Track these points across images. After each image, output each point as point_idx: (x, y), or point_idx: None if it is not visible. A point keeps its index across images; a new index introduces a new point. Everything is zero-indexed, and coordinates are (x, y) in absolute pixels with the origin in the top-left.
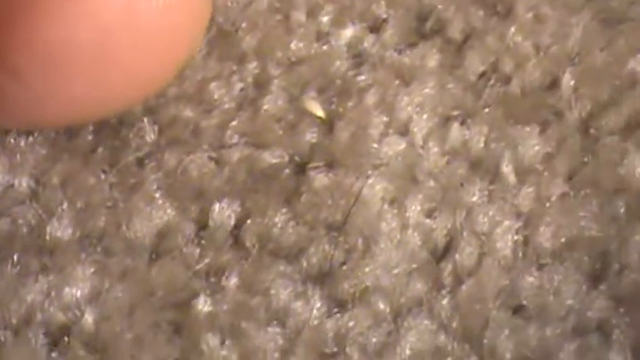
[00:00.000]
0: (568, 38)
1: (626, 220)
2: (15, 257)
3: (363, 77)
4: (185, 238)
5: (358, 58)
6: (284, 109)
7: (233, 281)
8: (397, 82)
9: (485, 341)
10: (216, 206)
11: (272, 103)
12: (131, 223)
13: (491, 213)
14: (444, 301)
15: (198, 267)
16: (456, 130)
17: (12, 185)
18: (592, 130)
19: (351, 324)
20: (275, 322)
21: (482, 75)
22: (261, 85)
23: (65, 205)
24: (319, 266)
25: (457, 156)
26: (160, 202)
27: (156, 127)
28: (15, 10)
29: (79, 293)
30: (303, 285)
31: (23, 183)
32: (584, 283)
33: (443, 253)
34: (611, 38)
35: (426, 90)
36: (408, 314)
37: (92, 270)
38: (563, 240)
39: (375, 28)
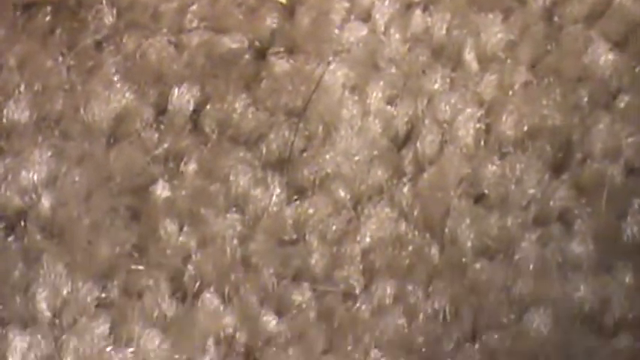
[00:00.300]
0: None
1: (589, 109)
2: None
3: None
4: (143, 122)
5: None
6: None
7: (192, 167)
8: None
9: (446, 230)
10: (176, 91)
11: None
12: (89, 106)
13: (453, 101)
14: (405, 189)
15: (156, 152)
16: (418, 17)
17: None
18: (556, 18)
19: (310, 211)
20: (234, 209)
21: None
22: None
23: (22, 88)
24: (279, 153)
25: (419, 43)
26: (119, 85)
27: (115, 10)
28: None
29: (35, 177)
30: (263, 171)
31: None
32: (547, 173)
33: (404, 140)
34: None
35: None
36: (368, 202)
37: (49, 154)
38: (525, 129)
39: None
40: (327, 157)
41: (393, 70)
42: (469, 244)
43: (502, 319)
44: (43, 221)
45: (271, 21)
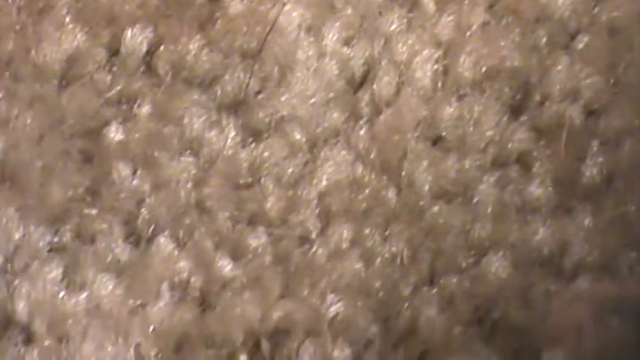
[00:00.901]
0: None
1: (547, 50)
2: None
3: None
4: (96, 64)
5: None
6: None
7: (145, 109)
8: None
9: (403, 173)
10: (129, 32)
11: None
12: (40, 47)
13: (410, 42)
14: (362, 132)
15: (109, 94)
16: None
17: None
18: None
19: (266, 154)
20: (188, 152)
21: None
22: None
23: None
24: (234, 95)
25: None
26: (70, 27)
27: None
28: None
29: None
30: (218, 114)
31: None
32: (505, 114)
33: (360, 82)
34: None
35: None
36: (324, 145)
37: (0, 96)
38: (483, 70)
39: None
40: (283, 99)
41: (349, 11)
42: (426, 187)
43: (460, 263)
44: None
45: None
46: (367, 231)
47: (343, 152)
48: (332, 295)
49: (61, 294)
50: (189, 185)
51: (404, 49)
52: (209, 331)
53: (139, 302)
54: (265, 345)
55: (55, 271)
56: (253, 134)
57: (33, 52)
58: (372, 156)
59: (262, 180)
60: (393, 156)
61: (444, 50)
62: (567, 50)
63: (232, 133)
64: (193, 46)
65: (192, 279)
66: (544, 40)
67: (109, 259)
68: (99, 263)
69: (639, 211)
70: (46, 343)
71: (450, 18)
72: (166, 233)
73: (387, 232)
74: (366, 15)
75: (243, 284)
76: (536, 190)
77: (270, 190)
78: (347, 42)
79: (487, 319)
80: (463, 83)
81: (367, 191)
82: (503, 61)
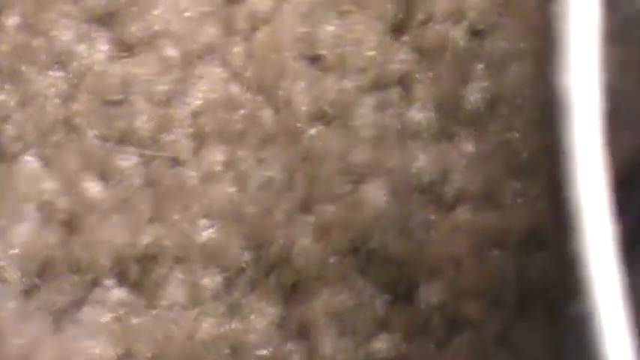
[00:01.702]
0: None
1: None
2: None
3: None
4: None
5: None
6: None
7: (12, 20)
8: None
9: (280, 92)
10: None
11: None
12: None
13: None
14: (238, 49)
15: None
16: None
17: None
18: None
19: (137, 70)
20: (56, 66)
21: None
22: None
23: None
24: (105, 6)
25: None
26: None
27: None
28: None
29: None
30: (88, 26)
31: None
32: (387, 34)
33: None
34: None
35: None
36: (198, 61)
37: None
38: None
39: None
40: (156, 12)
41: None
42: (304, 108)
43: (337, 190)
44: None
45: None
46: (241, 153)
47: (218, 70)
48: (204, 220)
49: None
50: (57, 101)
51: None
52: (74, 255)
53: (2, 223)
54: (133, 270)
55: None
56: (125, 49)
57: None
58: (248, 74)
59: (133, 97)
60: (270, 75)
61: None
62: None
63: (103, 47)
64: None
65: (58, 200)
66: None
67: None
68: None
69: (524, 139)
70: None
71: None
72: (32, 151)
73: (261, 155)
74: None
75: (111, 206)
76: (417, 114)
77: (142, 108)
78: None
79: (363, 249)
80: (343, 0)
81: (242, 111)
82: None
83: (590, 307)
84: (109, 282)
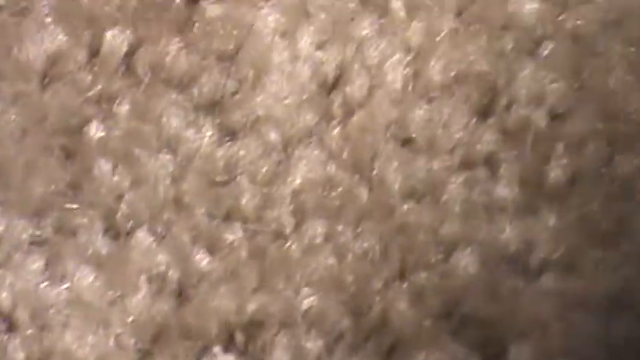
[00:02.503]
0: None
1: (514, 56)
2: None
3: None
4: (77, 63)
5: None
6: None
7: (125, 108)
8: None
9: (374, 172)
10: (109, 33)
11: None
12: (22, 46)
13: (381, 46)
14: (334, 132)
15: (90, 93)
16: None
17: None
18: None
19: (241, 153)
20: (166, 150)
21: None
22: None
23: None
24: (211, 95)
25: None
26: (52, 27)
27: None
28: None
29: None
30: (195, 113)
31: None
32: (473, 117)
33: (333, 84)
34: None
35: None
36: (298, 144)
37: None
38: (452, 74)
39: None
40: (258, 100)
41: (323, 16)
42: (397, 186)
43: (430, 259)
44: None
45: None
46: (340, 227)
47: (316, 152)
48: (306, 289)
49: (43, 284)
50: (168, 182)
51: (375, 53)
52: (186, 323)
53: (118, 294)
54: (240, 337)
55: (37, 263)
56: (229, 133)
57: (15, 50)
58: (345, 156)
59: (238, 178)
60: (365, 156)
61: (414, 55)
62: (533, 56)
63: (209, 132)
64: (172, 48)
65: (170, 272)
66: (510, 46)
67: (89, 251)
68: (79, 256)
69: (602, 211)
70: (29, 331)
71: (420, 24)
72: (145, 227)
73: (358, 229)
74: (338, 20)
75: (219, 277)
76: (503, 190)
77: (246, 187)
78: (320, 46)
79: (455, 314)
80: (432, 87)
81: (340, 189)
82: (472, 66)
83: None
84: (217, 348)
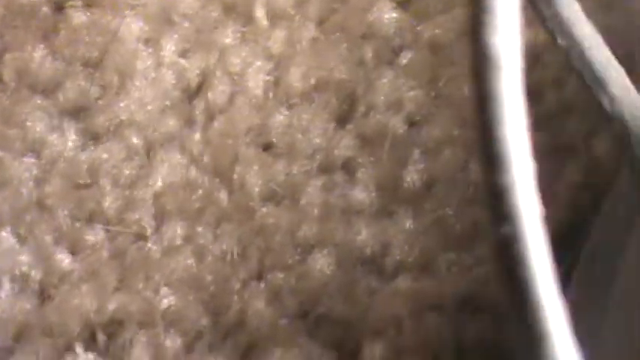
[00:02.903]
0: None
1: (373, 64)
2: None
3: None
4: None
5: None
6: None
7: None
8: None
9: (234, 176)
10: None
11: None
12: None
13: (243, 54)
14: (196, 137)
15: None
16: None
17: None
18: None
19: (104, 156)
20: (30, 153)
21: None
22: None
23: None
24: (75, 101)
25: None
26: None
27: None
28: None
29: None
30: (59, 118)
31: None
32: (332, 123)
33: (196, 91)
34: None
35: None
36: (160, 148)
37: None
38: (312, 81)
39: None
40: (122, 105)
41: (186, 24)
42: (257, 189)
43: (287, 260)
44: None
45: None
46: (200, 229)
47: (178, 156)
48: (165, 289)
49: None
50: (31, 184)
51: (237, 60)
52: (47, 322)
53: None
54: (100, 335)
55: None
56: (93, 138)
57: None
58: (205, 160)
59: (100, 181)
60: (226, 160)
61: (276, 62)
62: (392, 65)
63: (73, 137)
64: (37, 55)
65: (33, 272)
66: (370, 54)
67: None
68: None
69: (457, 215)
70: None
71: (282, 32)
72: (8, 229)
73: (218, 231)
74: (202, 28)
75: (80, 277)
76: (360, 194)
77: (108, 190)
78: (183, 54)
79: (312, 313)
80: (293, 93)
81: (200, 192)
82: (332, 74)
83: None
84: (79, 345)
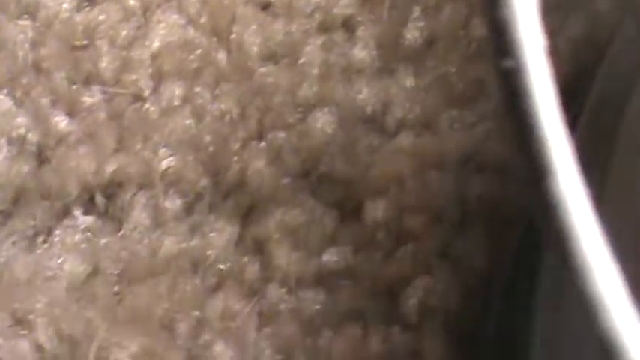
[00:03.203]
0: None
1: None
2: None
3: None
4: None
5: None
6: None
7: None
8: None
9: (233, 36)
10: None
11: None
12: None
13: None
14: None
15: None
16: None
17: None
18: None
19: (101, 17)
20: (26, 15)
21: None
22: None
23: None
24: None
25: None
26: None
27: None
28: None
29: None
30: None
31: None
32: None
33: None
34: None
35: None
36: (157, 9)
37: None
38: None
39: None
40: None
41: None
42: (255, 49)
43: (287, 120)
44: None
45: None
46: (198, 89)
47: (175, 16)
48: (164, 150)
49: None
50: (27, 47)
51: None
52: (45, 184)
53: None
54: (99, 198)
55: None
56: None
57: None
58: (203, 20)
59: (97, 42)
60: (223, 20)
61: None
62: None
63: None
64: None
65: (30, 134)
66: None
67: None
68: None
69: (459, 73)
70: None
71: None
72: (5, 91)
73: (216, 91)
74: None
75: (78, 139)
76: (360, 52)
77: (105, 52)
78: None
79: (313, 173)
80: None
81: (198, 52)
82: None
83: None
84: (77, 208)
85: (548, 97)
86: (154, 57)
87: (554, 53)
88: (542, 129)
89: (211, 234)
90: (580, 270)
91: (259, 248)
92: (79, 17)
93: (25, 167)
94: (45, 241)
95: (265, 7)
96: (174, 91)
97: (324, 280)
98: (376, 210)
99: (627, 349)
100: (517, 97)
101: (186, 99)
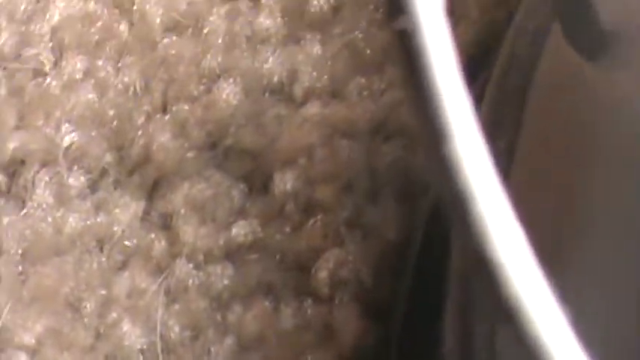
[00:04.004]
0: None
1: None
2: None
3: None
4: None
5: None
6: None
7: None
8: None
9: (134, 7)
10: None
11: None
12: None
13: None
14: None
15: None
16: None
17: None
18: None
19: None
20: None
21: None
22: None
23: None
24: None
25: None
26: None
27: None
28: None
29: None
30: None
31: None
32: None
33: None
34: None
35: None
36: None
37: None
38: None
39: None
40: None
41: None
42: (158, 20)
43: (192, 91)
44: None
45: None
46: (100, 63)
47: None
48: (67, 125)
49: None
50: None
51: None
52: None
53: None
54: (0, 176)
55: None
56: None
57: None
58: None
59: None
60: None
61: None
62: None
63: None
64: None
65: None
66: None
67: None
68: None
69: (367, 39)
70: None
71: None
72: None
73: (119, 64)
74: None
75: None
76: (266, 20)
77: (4, 27)
78: None
79: (220, 145)
80: None
81: (99, 24)
82: None
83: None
84: None
85: (447, 57)
86: (55, 31)
87: (462, 20)
88: (439, 91)
89: (116, 210)
90: (480, 236)
91: (166, 224)
92: None
93: None
94: None
95: None
96: (76, 65)
97: (232, 254)
98: (285, 181)
99: (531, 314)
100: (412, 57)
101: (88, 73)
